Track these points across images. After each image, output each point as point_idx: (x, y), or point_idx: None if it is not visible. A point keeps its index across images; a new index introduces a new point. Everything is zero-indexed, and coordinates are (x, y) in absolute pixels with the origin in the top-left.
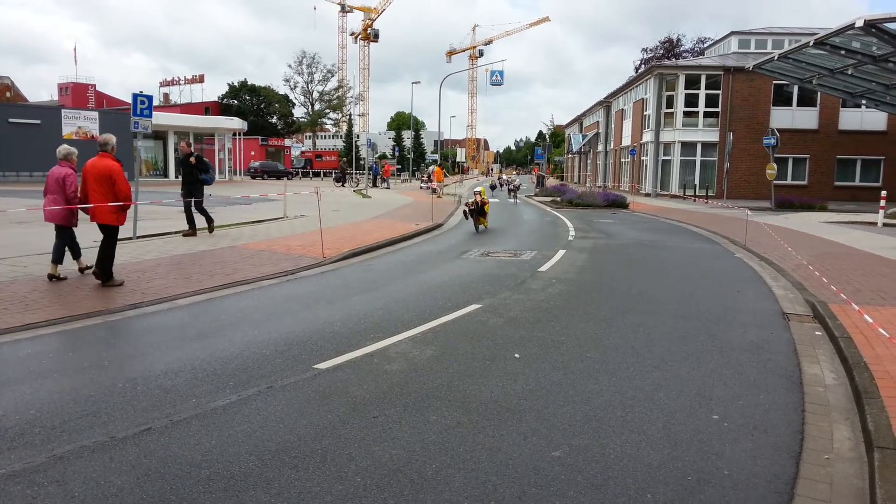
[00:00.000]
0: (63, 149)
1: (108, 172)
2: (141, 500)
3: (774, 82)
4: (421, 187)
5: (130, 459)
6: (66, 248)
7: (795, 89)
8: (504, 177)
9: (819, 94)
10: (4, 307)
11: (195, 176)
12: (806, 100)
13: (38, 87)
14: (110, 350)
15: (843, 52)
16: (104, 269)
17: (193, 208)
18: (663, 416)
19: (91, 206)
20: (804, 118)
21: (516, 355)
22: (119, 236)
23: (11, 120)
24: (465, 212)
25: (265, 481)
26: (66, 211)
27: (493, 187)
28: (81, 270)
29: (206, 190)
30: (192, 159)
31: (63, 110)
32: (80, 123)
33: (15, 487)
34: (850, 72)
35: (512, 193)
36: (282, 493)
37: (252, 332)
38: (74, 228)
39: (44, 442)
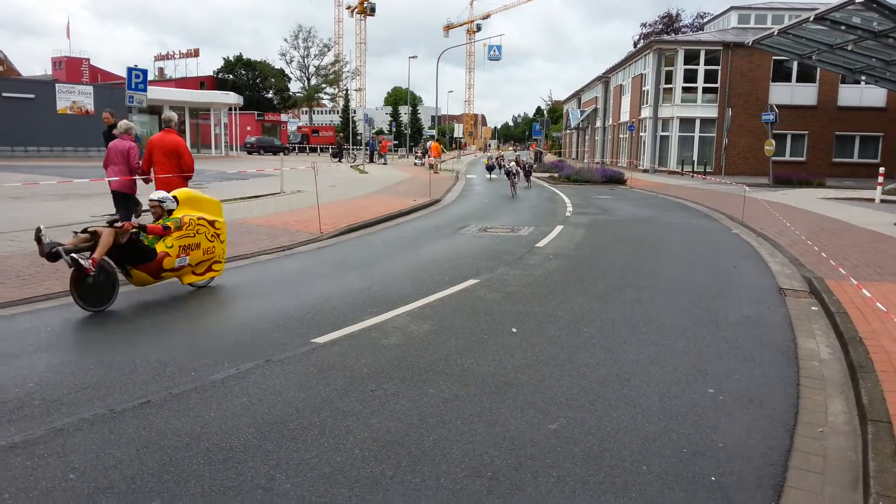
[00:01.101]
0: (124, 123)
1: (175, 147)
2: (140, 471)
3: (774, 58)
4: (416, 163)
5: (130, 432)
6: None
7: (795, 65)
8: (502, 154)
9: (818, 70)
10: (1, 281)
11: None
12: (805, 76)
13: (31, 61)
14: (108, 324)
15: (843, 27)
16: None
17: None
18: (659, 389)
19: (161, 175)
20: (803, 94)
21: (513, 330)
22: (115, 211)
23: (5, 94)
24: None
25: (264, 453)
26: (131, 180)
27: (489, 168)
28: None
29: (201, 165)
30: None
31: (57, 84)
32: (74, 98)
33: (15, 459)
34: (850, 47)
35: (514, 177)
36: (280, 465)
37: (250, 306)
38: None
39: (43, 414)
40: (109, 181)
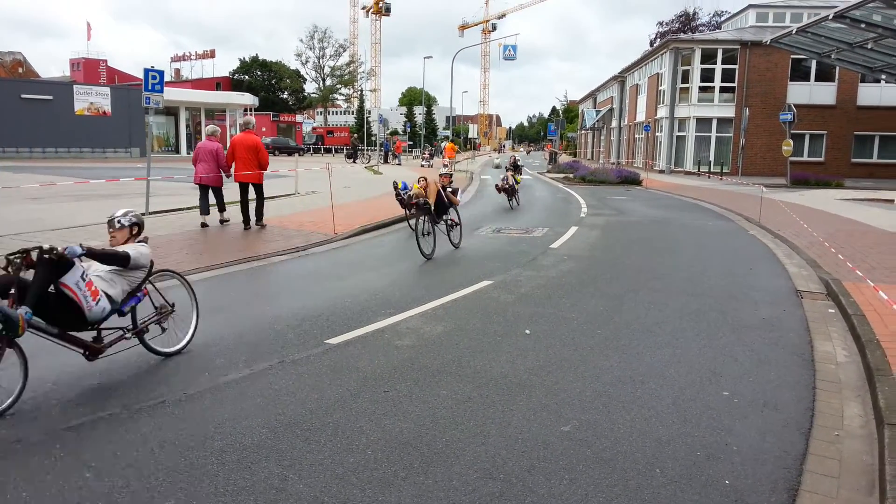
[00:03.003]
0: (210, 127)
1: (255, 145)
2: (155, 470)
3: (792, 57)
4: (422, 165)
5: (145, 431)
6: (202, 204)
7: (813, 64)
8: (514, 156)
9: (837, 68)
10: None
11: None
12: (824, 75)
13: (48, 63)
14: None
15: (863, 25)
16: (260, 215)
17: None
18: (673, 392)
19: (248, 172)
20: (822, 93)
21: (527, 331)
22: None
23: (24, 96)
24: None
25: (277, 453)
26: (220, 175)
27: (500, 168)
28: (222, 222)
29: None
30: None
31: (75, 86)
32: (91, 99)
33: (32, 458)
34: (869, 46)
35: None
36: (293, 465)
37: (263, 307)
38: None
39: (60, 413)
40: (199, 176)
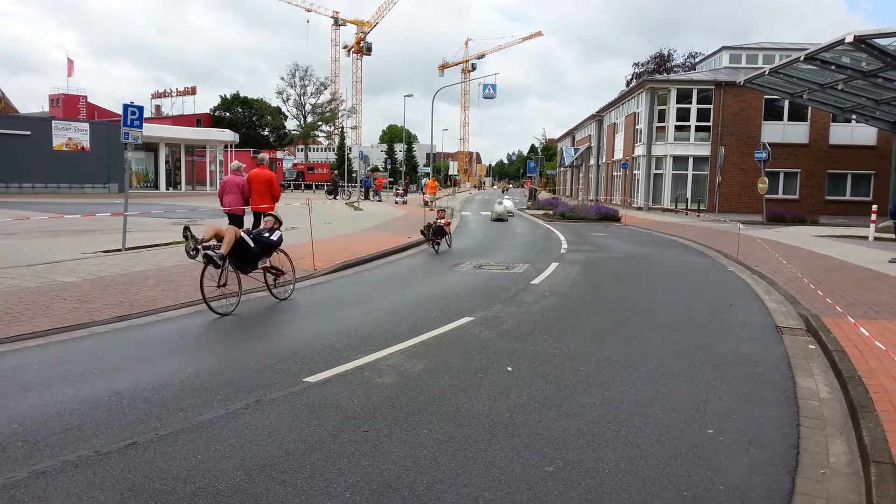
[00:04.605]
0: (235, 164)
1: (268, 179)
2: None
3: (765, 97)
4: (396, 202)
5: (115, 474)
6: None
7: (786, 104)
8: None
9: (810, 108)
10: None
11: None
12: (797, 114)
13: (26, 98)
14: (97, 362)
15: (833, 67)
16: None
17: None
18: (657, 430)
19: (262, 206)
20: (795, 132)
21: (509, 368)
22: (108, 248)
23: (1, 131)
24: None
25: (252, 497)
26: (244, 206)
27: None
28: None
29: (196, 201)
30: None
31: (54, 122)
32: (70, 135)
33: None
34: (840, 87)
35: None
36: None
37: (241, 344)
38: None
39: (26, 457)
40: (226, 206)
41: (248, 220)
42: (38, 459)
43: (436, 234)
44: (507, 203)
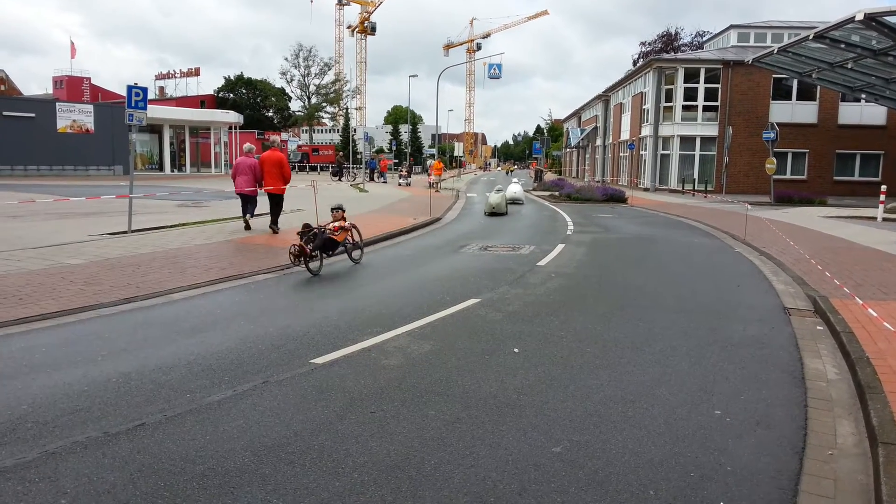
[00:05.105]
0: (247, 146)
1: (279, 161)
2: (134, 496)
3: (774, 76)
4: (400, 183)
5: (123, 455)
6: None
7: (795, 83)
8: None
9: (818, 88)
10: None
11: None
12: (805, 94)
13: (29, 80)
14: (104, 344)
15: (842, 45)
16: (276, 221)
17: None
18: (665, 411)
19: (270, 187)
20: (803, 112)
21: (515, 350)
22: (114, 230)
23: (6, 113)
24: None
25: (261, 477)
26: (256, 187)
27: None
28: (248, 227)
29: (201, 183)
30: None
31: (58, 103)
32: (74, 117)
33: (6, 484)
34: (849, 66)
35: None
36: (277, 490)
37: (248, 326)
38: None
39: (35, 437)
40: (239, 188)
41: (263, 202)
42: (48, 440)
43: (321, 246)
44: (514, 188)
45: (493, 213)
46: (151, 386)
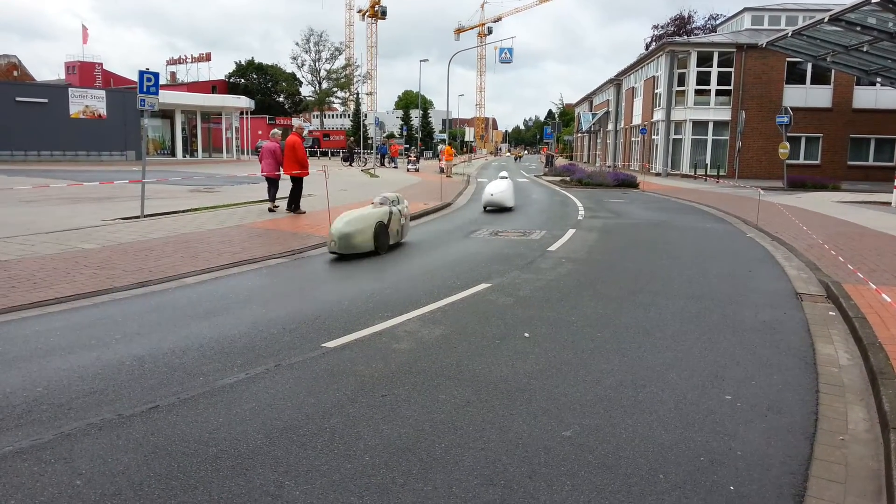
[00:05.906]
0: (274, 131)
1: (291, 145)
2: (148, 477)
3: (788, 60)
4: (408, 169)
5: (137, 437)
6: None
7: (809, 67)
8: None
9: (833, 71)
10: (12, 285)
11: None
12: (820, 78)
13: (40, 65)
14: (118, 328)
15: (858, 28)
16: (296, 203)
17: None
18: (675, 396)
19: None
20: (818, 96)
21: (526, 335)
22: (127, 215)
23: (19, 99)
24: None
25: (273, 459)
26: (278, 170)
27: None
28: (271, 210)
29: (213, 168)
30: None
31: (70, 89)
32: (87, 102)
33: (22, 464)
34: (865, 49)
35: None
36: (290, 472)
37: (260, 310)
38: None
39: (51, 419)
40: (264, 171)
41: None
42: (64, 422)
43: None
44: (498, 187)
45: (491, 209)
46: (165, 369)
